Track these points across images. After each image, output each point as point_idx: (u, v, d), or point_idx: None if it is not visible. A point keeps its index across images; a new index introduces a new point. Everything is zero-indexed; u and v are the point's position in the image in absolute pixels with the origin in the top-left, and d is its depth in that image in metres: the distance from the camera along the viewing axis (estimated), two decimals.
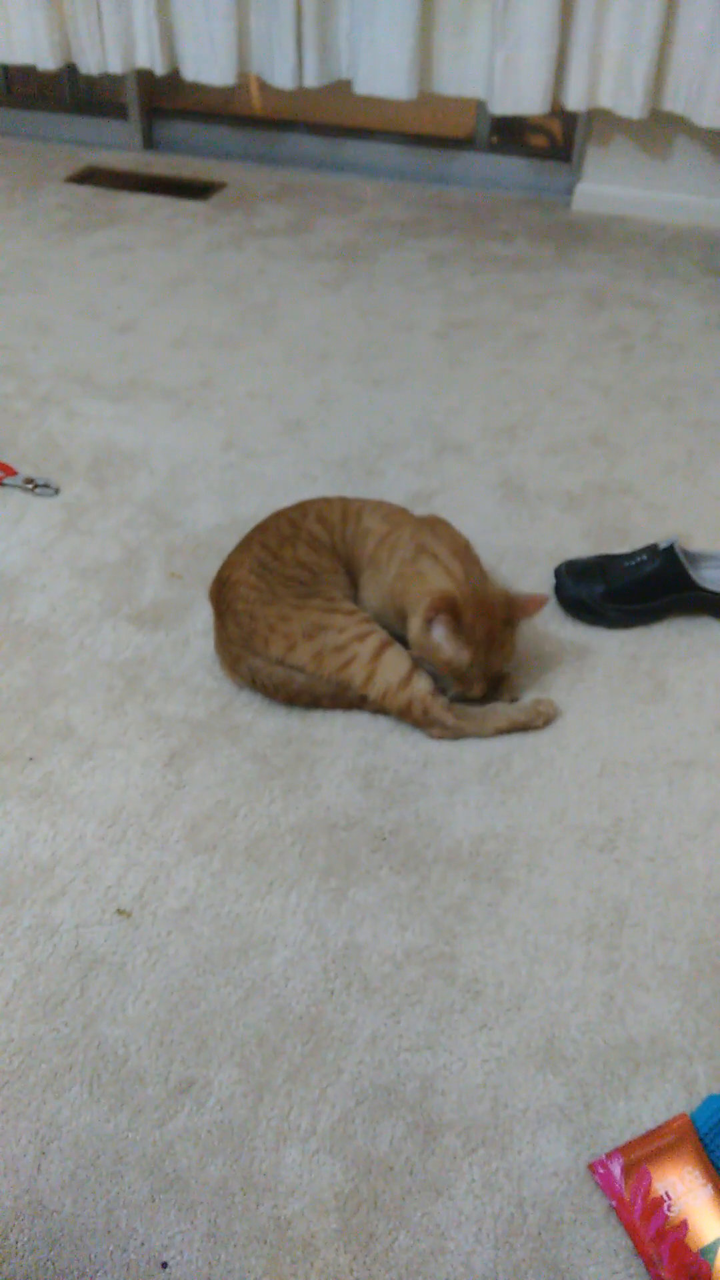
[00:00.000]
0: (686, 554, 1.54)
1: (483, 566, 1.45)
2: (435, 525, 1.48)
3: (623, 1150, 0.96)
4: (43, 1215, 0.94)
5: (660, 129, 2.75)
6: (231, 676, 1.43)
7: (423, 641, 1.36)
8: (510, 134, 3.14)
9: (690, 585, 1.51)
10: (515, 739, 1.38)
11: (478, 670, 1.36)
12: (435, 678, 1.38)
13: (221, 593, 1.44)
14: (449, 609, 1.32)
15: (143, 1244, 0.92)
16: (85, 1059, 1.04)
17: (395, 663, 1.36)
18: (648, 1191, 0.93)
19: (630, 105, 2.61)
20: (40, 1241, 0.92)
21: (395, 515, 1.51)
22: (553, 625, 1.56)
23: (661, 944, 1.15)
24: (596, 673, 1.48)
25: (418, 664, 1.37)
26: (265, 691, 1.40)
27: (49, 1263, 0.91)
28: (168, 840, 1.24)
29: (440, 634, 1.34)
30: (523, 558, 1.67)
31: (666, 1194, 0.93)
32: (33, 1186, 0.95)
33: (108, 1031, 1.06)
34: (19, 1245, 0.92)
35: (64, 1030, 1.06)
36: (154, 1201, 0.94)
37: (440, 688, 1.38)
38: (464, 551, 1.44)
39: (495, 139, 3.09)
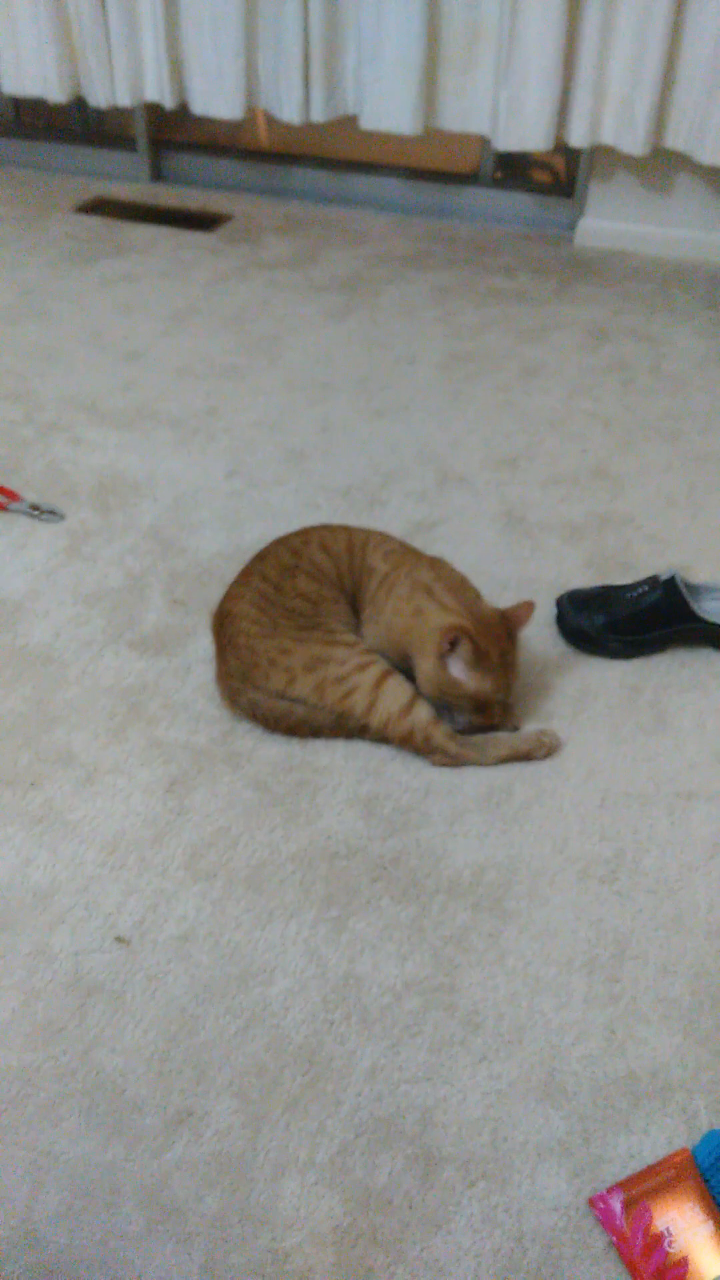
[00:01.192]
0: (688, 585, 1.55)
1: (478, 593, 1.45)
2: (433, 563, 1.48)
3: (623, 1185, 0.96)
4: (37, 1246, 0.93)
5: (662, 166, 2.78)
6: (231, 709, 1.43)
7: (441, 679, 1.36)
8: (514, 169, 3.18)
9: (691, 617, 1.52)
10: (516, 768, 1.38)
11: (501, 694, 1.36)
12: (449, 712, 1.38)
13: (222, 625, 1.44)
14: (464, 639, 1.32)
15: (139, 1276, 0.91)
16: (82, 1088, 1.03)
17: (396, 691, 1.36)
18: (648, 1227, 0.93)
19: (632, 142, 2.65)
20: (34, 1273, 0.91)
21: (396, 555, 1.50)
22: (554, 656, 1.56)
23: (662, 977, 1.14)
24: (598, 703, 1.48)
25: (418, 695, 1.37)
26: (266, 724, 1.40)
27: None
28: (168, 867, 1.24)
29: (459, 667, 1.34)
30: (524, 588, 1.67)
31: (667, 1230, 0.93)
32: (28, 1217, 0.94)
33: (105, 1060, 1.05)
34: (13, 1277, 0.91)
35: (61, 1059, 1.06)
36: (150, 1233, 0.93)
37: (452, 719, 1.38)
38: (460, 584, 1.44)
39: (499, 174, 3.13)
